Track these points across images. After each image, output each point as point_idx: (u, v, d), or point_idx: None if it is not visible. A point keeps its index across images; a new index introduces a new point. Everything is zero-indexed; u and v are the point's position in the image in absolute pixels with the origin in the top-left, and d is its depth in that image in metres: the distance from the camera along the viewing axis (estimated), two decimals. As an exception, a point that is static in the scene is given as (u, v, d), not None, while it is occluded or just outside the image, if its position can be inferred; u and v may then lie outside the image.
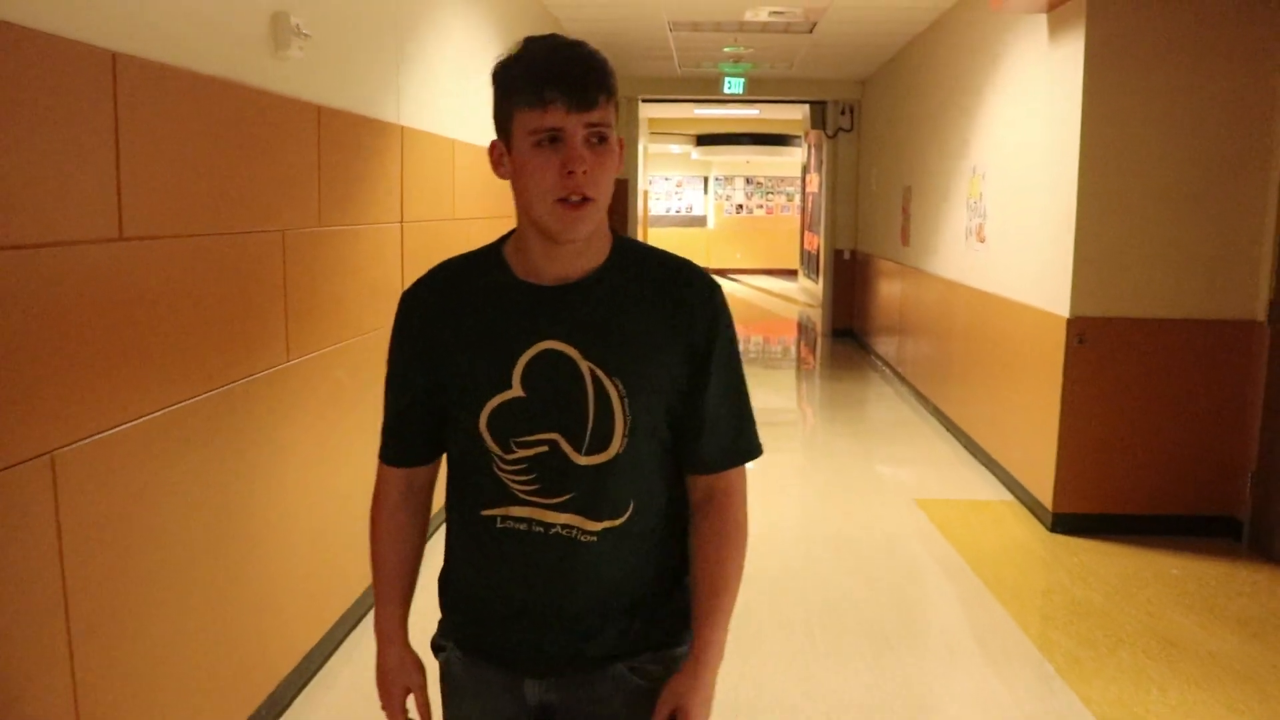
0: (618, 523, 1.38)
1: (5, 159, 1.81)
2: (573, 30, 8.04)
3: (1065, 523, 4.79)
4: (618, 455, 1.35)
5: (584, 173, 1.27)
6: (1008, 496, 5.41)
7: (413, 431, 1.47)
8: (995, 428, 5.84)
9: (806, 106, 12.58)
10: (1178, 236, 4.59)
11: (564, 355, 1.34)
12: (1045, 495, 4.88)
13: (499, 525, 1.38)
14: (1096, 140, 4.55)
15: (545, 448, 1.35)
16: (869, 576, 4.31)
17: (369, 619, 3.68)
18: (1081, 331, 4.66)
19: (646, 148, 16.39)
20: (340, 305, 3.43)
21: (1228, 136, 4.50)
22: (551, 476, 1.35)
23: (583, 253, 1.36)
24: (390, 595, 1.51)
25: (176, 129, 2.38)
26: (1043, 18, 5.01)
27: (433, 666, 1.53)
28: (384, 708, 1.52)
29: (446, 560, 1.50)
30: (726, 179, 20.82)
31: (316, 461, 3.25)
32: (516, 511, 1.37)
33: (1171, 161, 4.54)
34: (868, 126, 10.98)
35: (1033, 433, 5.07)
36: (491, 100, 1.35)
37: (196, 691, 2.53)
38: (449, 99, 4.74)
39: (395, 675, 1.51)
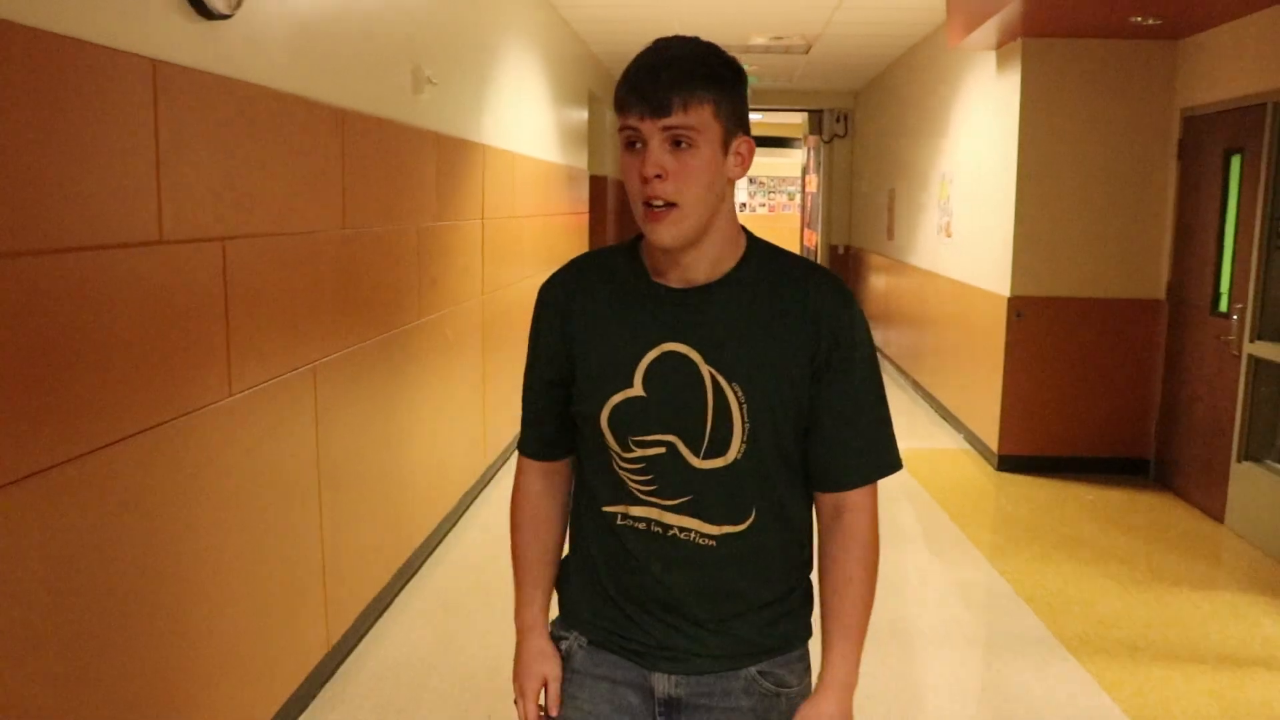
0: (739, 528, 1.37)
1: (292, 181, 2.95)
2: (596, 51, 9.17)
3: (1008, 463, 5.94)
4: (737, 461, 1.34)
5: (658, 178, 1.26)
6: (965, 445, 6.56)
7: (552, 423, 1.47)
8: (956, 391, 6.99)
9: (805, 113, 13.69)
10: (1095, 231, 5.72)
11: (686, 358, 1.34)
12: (992, 441, 6.03)
13: (619, 522, 1.40)
14: (1030, 153, 5.69)
15: (663, 449, 1.35)
16: (847, 500, 5.44)
17: (470, 513, 4.84)
18: (1019, 308, 5.80)
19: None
20: (446, 282, 4.57)
21: (1134, 152, 5.64)
22: (669, 478, 1.35)
23: (706, 258, 1.35)
24: (532, 585, 1.51)
25: (367, 154, 3.52)
26: (992, 54, 6.15)
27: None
28: (518, 697, 1.50)
29: (570, 552, 1.52)
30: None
31: (434, 391, 4.39)
32: (635, 510, 1.38)
33: (1090, 171, 5.68)
34: (860, 133, 12.10)
35: (983, 392, 6.21)
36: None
37: (373, 545, 3.67)
38: (510, 118, 5.88)
39: (533, 665, 1.49)
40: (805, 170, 16.35)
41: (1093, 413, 5.86)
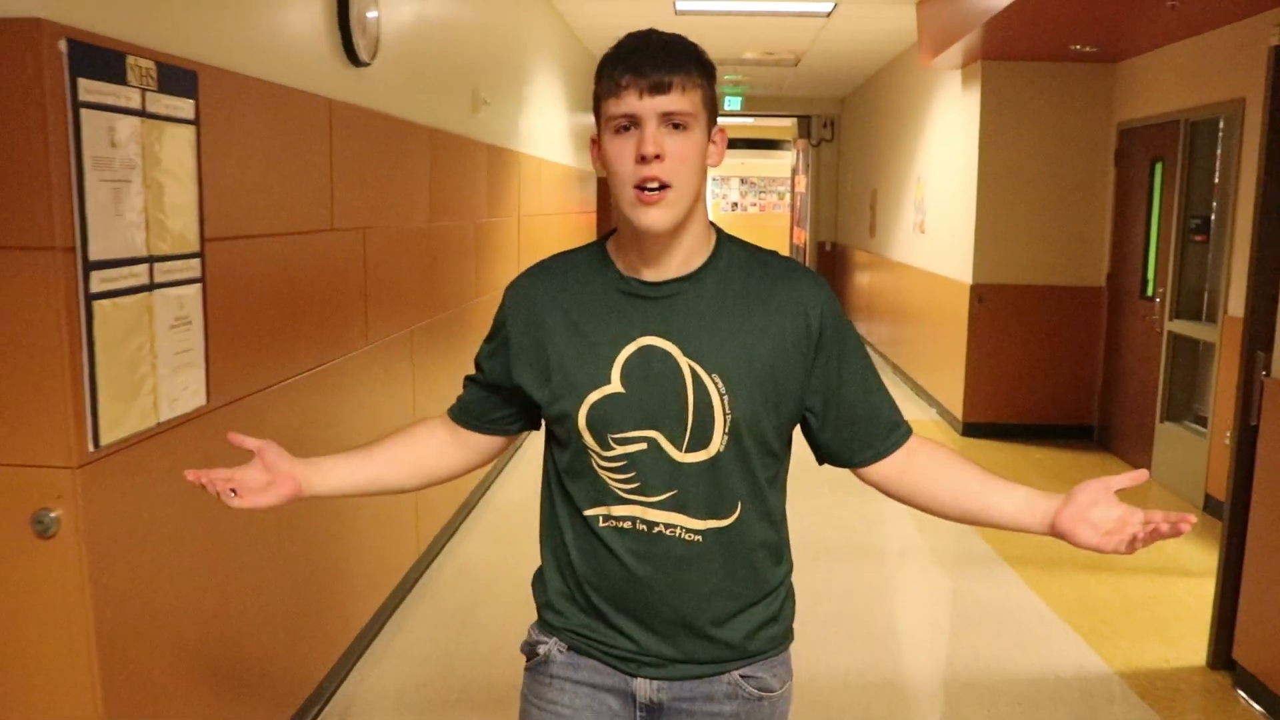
0: (724, 523, 1.36)
1: (401, 184, 3.79)
2: (605, 63, 10.01)
3: (971, 429, 6.82)
4: (719, 454, 1.33)
5: (657, 158, 1.25)
6: (935, 417, 7.44)
7: (474, 403, 1.52)
8: (927, 368, 7.88)
9: (795, 119, 14.56)
10: (1045, 227, 6.61)
11: (664, 351, 1.33)
12: (958, 411, 6.91)
13: (602, 524, 1.38)
14: (989, 159, 6.56)
15: (644, 445, 1.34)
16: (831, 459, 6.32)
17: (512, 463, 5.66)
18: (981, 294, 6.68)
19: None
20: (490, 268, 5.41)
21: (1078, 158, 6.52)
22: (652, 474, 1.34)
23: (682, 249, 1.35)
24: (344, 453, 1.51)
25: (444, 163, 4.36)
26: (957, 73, 7.03)
27: (515, 667, 1.54)
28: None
29: (547, 561, 1.51)
30: (723, 179, 22.80)
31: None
32: (618, 510, 1.37)
33: (1041, 175, 6.56)
34: (845, 138, 12.98)
35: (950, 368, 7.09)
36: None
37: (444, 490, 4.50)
38: (537, 128, 6.73)
39: (262, 457, 1.46)
40: (794, 171, 17.22)
41: (1044, 385, 6.74)
